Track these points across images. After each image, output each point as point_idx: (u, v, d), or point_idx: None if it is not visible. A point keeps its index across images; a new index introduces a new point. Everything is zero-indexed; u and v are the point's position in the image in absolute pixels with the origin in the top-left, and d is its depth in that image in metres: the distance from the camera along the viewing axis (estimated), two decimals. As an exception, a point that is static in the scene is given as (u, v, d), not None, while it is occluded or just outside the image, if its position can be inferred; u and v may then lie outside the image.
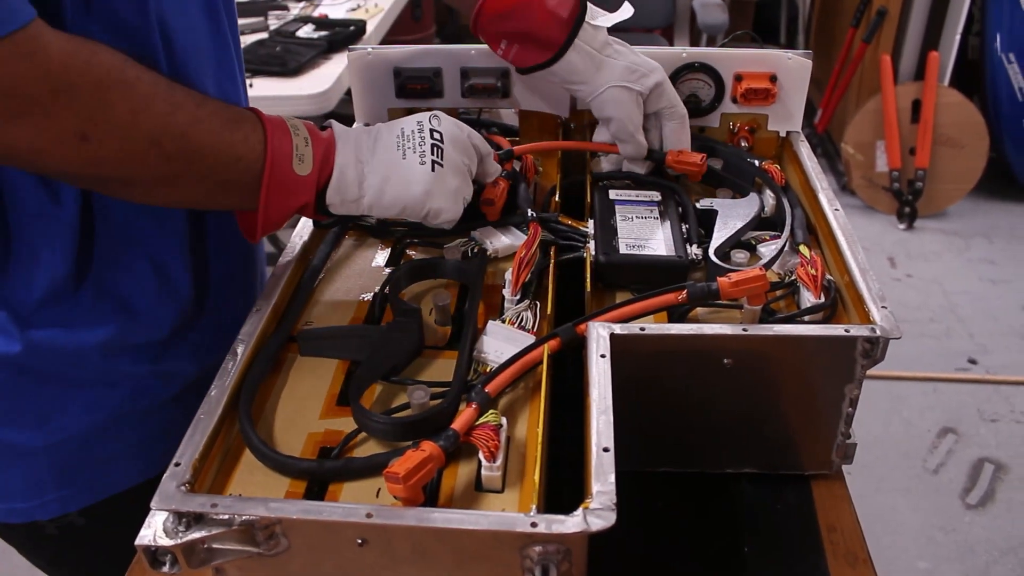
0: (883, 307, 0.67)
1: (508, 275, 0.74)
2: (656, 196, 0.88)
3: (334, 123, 0.72)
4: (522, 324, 0.71)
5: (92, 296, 0.74)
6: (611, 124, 0.87)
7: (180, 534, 0.53)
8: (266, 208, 0.66)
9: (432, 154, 0.70)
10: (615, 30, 0.89)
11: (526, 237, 0.77)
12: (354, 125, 0.95)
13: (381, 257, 0.83)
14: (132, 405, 0.80)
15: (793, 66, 0.92)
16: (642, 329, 0.66)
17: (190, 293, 0.80)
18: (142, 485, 0.83)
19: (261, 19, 2.21)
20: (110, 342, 0.76)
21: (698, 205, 0.85)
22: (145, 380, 0.80)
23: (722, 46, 0.93)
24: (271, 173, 0.65)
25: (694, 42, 3.10)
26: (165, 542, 0.52)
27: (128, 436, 0.81)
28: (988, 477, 2.08)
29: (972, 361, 2.45)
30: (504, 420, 0.60)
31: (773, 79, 0.93)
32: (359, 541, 0.53)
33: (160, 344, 0.80)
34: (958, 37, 2.97)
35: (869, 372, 0.68)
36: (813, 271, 0.72)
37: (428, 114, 0.73)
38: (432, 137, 0.71)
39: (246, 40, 2.04)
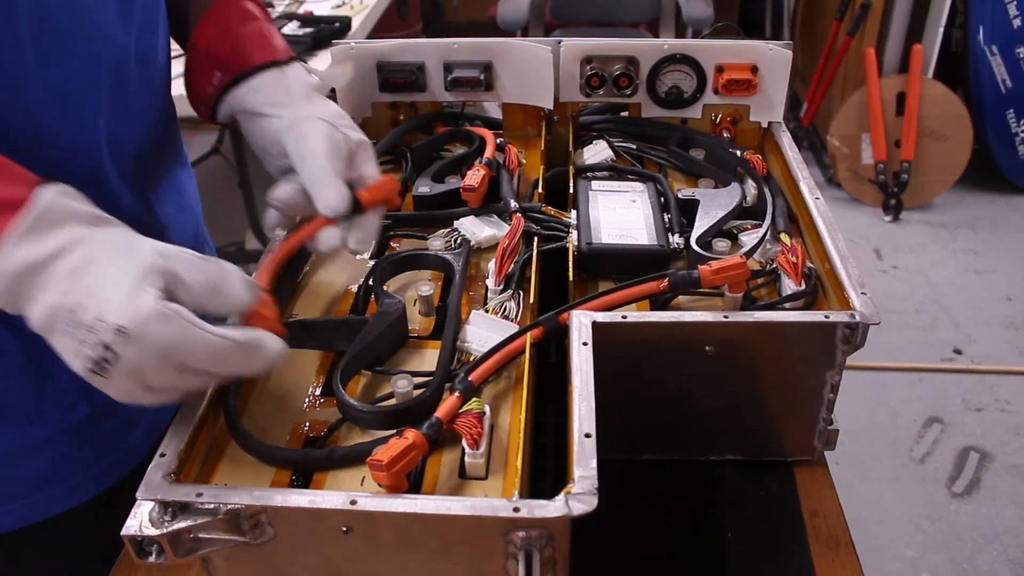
0: (862, 293, 0.68)
1: (491, 265, 0.74)
2: (638, 186, 0.89)
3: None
4: (505, 314, 0.71)
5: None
6: (308, 161, 0.69)
7: (166, 524, 0.53)
8: None
9: (92, 364, 0.51)
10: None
11: (509, 228, 0.77)
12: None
13: (366, 249, 0.83)
14: (61, 426, 0.75)
15: (774, 57, 0.93)
16: (624, 317, 0.66)
17: None
18: (82, 506, 0.78)
19: (246, 16, 2.21)
20: (31, 384, 0.71)
21: (680, 195, 0.86)
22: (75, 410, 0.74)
23: (703, 38, 0.93)
24: None
25: (679, 36, 3.11)
26: (151, 532, 0.53)
27: (60, 455, 0.76)
28: (973, 466, 2.10)
29: (957, 351, 2.47)
30: (487, 408, 0.60)
31: (754, 70, 0.93)
32: (344, 529, 0.53)
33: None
34: (941, 30, 2.98)
35: (855, 362, 0.69)
36: (794, 259, 0.73)
37: (116, 320, 0.50)
38: (100, 355, 0.50)
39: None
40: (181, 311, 0.52)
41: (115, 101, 0.70)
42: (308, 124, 0.70)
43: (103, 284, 0.51)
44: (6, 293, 0.52)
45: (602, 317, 0.66)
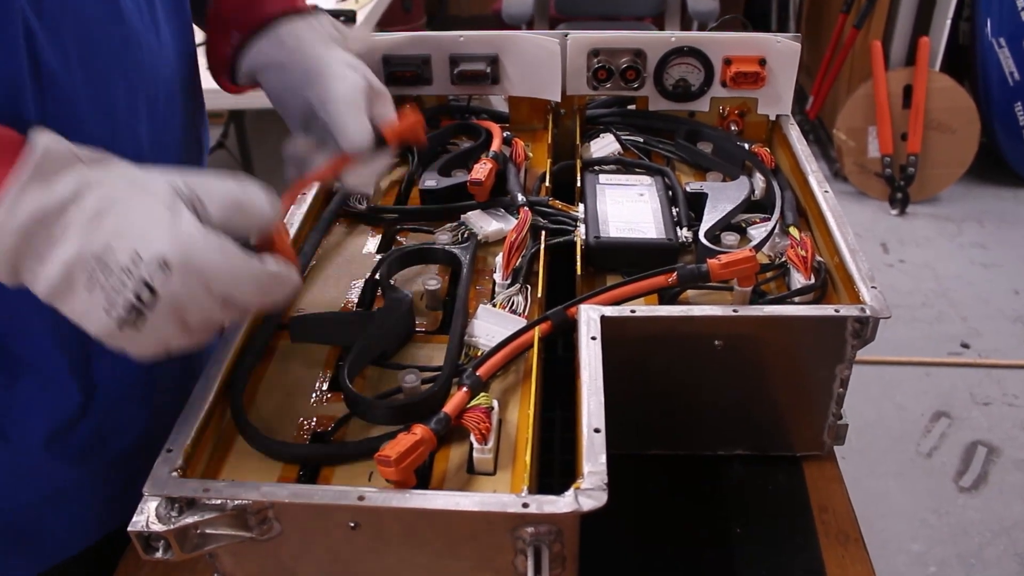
0: (873, 287, 0.67)
1: (499, 259, 0.74)
2: (646, 180, 0.88)
3: (20, 169, 0.46)
4: (513, 308, 0.71)
5: None
6: (331, 101, 0.67)
7: (173, 519, 0.53)
8: None
9: (127, 313, 0.47)
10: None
11: (516, 222, 0.77)
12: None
13: (372, 243, 0.83)
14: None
15: (782, 49, 0.92)
16: (633, 311, 0.66)
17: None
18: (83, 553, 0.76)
19: (250, 10, 2.20)
20: None
21: (688, 188, 0.85)
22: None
23: (711, 31, 0.92)
24: None
25: (685, 30, 3.10)
26: (158, 528, 0.52)
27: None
28: (981, 460, 2.09)
29: (964, 345, 2.46)
30: (495, 403, 0.60)
31: (762, 63, 0.93)
32: (351, 524, 0.53)
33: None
34: (949, 22, 2.97)
35: (862, 357, 0.68)
36: (803, 252, 0.73)
37: (159, 251, 0.46)
38: (138, 297, 0.46)
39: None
40: (223, 236, 0.48)
41: (152, 109, 0.69)
42: (332, 68, 0.68)
43: (134, 219, 0.47)
44: (11, 252, 0.46)
45: (611, 311, 0.65)
